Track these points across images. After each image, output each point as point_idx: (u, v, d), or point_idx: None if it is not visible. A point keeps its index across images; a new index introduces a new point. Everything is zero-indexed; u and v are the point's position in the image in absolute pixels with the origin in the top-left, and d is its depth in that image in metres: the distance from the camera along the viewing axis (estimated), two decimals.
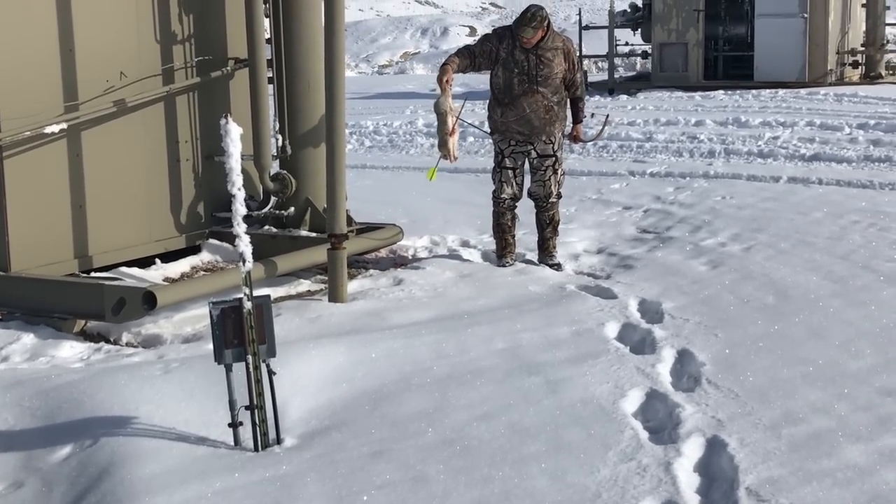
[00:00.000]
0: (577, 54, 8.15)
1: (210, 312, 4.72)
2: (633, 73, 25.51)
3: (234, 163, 4.52)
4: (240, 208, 4.58)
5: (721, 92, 18.85)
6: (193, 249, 8.20)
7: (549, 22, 7.83)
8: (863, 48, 20.50)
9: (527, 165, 8.17)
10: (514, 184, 8.10)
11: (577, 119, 8.26)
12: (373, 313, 6.89)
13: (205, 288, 6.94)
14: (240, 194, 4.57)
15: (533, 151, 8.04)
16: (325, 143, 7.12)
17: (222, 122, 4.54)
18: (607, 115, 9.66)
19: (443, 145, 7.65)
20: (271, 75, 8.10)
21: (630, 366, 5.65)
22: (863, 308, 6.55)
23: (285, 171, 8.15)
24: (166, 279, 7.73)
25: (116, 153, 7.64)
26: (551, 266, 8.15)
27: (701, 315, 6.54)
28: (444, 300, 7.19)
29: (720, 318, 6.48)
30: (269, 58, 8.06)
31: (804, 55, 19.45)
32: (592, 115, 9.22)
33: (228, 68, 8.15)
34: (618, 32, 21.84)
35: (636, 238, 8.99)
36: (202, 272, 7.93)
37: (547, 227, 8.28)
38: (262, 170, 7.99)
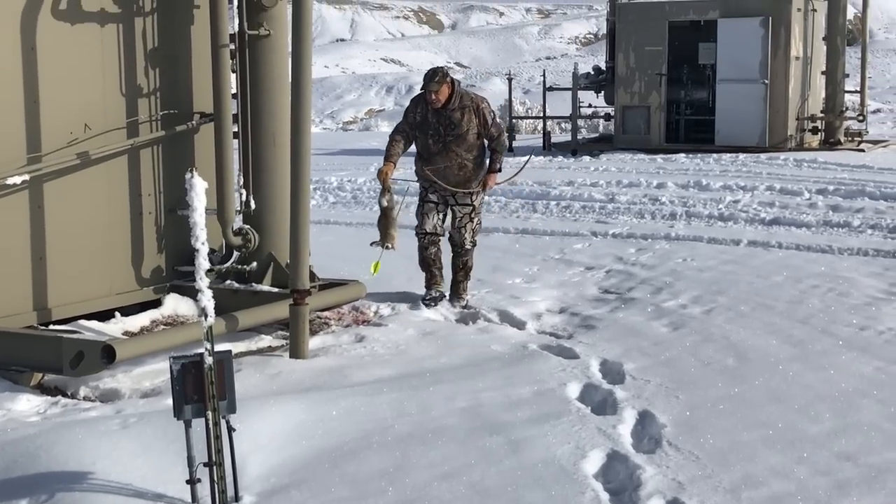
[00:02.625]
0: (490, 110, 8.65)
1: (170, 367, 4.68)
2: (596, 134, 25.76)
3: (199, 217, 4.51)
4: (203, 263, 4.56)
5: (682, 155, 19.04)
6: (155, 303, 8.13)
7: (452, 80, 8.43)
8: (822, 115, 20.82)
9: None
10: (436, 217, 8.70)
11: (489, 168, 8.64)
12: (334, 370, 6.86)
13: (164, 342, 6.88)
14: (203, 249, 4.56)
15: (452, 199, 8.65)
16: (290, 199, 7.11)
17: (187, 176, 4.54)
18: (529, 156, 10.03)
19: (385, 238, 8.23)
20: (237, 130, 8.10)
21: (591, 426, 5.65)
22: (822, 372, 6.60)
23: (248, 226, 8.13)
24: (126, 333, 7.66)
25: (78, 205, 7.59)
26: (461, 307, 8.65)
27: (662, 377, 6.56)
28: (405, 358, 7.17)
29: (681, 380, 6.50)
30: (235, 112, 8.06)
31: (765, 121, 19.73)
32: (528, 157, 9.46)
33: (194, 122, 8.14)
34: (581, 94, 22.06)
35: (598, 298, 9.03)
36: (162, 326, 7.87)
37: (459, 271, 8.88)
38: (224, 224, 7.97)
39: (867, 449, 5.28)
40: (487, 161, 8.70)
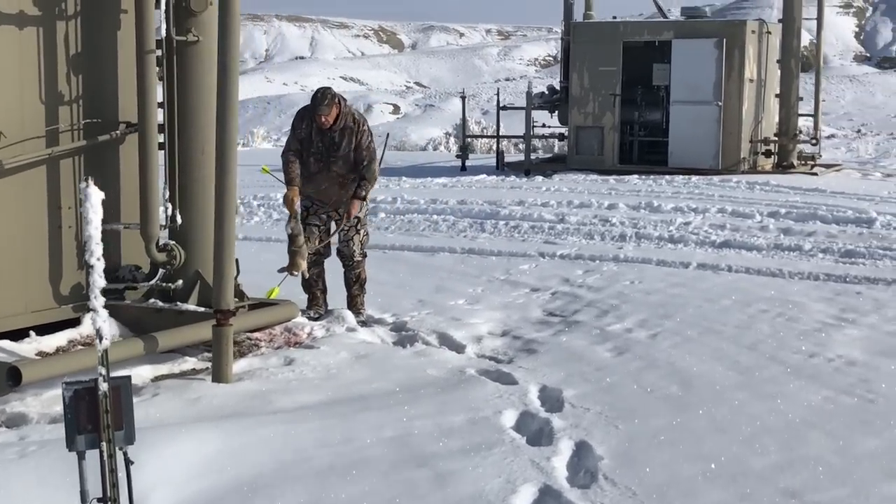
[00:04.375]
0: (369, 132, 8.59)
1: (62, 394, 4.29)
2: (550, 154, 25.55)
3: (94, 231, 4.12)
4: (98, 280, 4.17)
5: (635, 176, 18.84)
6: (74, 322, 7.72)
7: (340, 100, 8.38)
8: (776, 138, 20.71)
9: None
10: (317, 240, 8.62)
11: (354, 194, 8.51)
12: (258, 395, 6.50)
13: (76, 363, 6.48)
14: (98, 265, 4.17)
15: (335, 213, 8.65)
16: (214, 213, 6.74)
17: (81, 185, 4.16)
18: (387, 136, 10.02)
19: (292, 265, 8.18)
20: (163, 140, 7.72)
21: (524, 458, 5.33)
22: (769, 401, 6.33)
23: (173, 242, 7.75)
24: (39, 353, 7.24)
25: None
26: (358, 322, 8.44)
27: (602, 404, 6.25)
28: (335, 382, 6.82)
29: (622, 408, 6.20)
30: (162, 122, 7.70)
31: (718, 143, 19.58)
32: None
33: (118, 132, 7.75)
34: (536, 114, 21.84)
35: (542, 321, 8.72)
36: (80, 346, 7.45)
37: (353, 284, 8.78)
38: (148, 239, 7.59)
39: (814, 485, 5.00)
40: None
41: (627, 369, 7.09)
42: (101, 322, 4.21)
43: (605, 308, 9.01)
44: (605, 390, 6.57)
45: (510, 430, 5.83)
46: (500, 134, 23.81)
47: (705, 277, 10.37)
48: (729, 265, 10.82)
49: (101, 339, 4.23)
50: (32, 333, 7.45)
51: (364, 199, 8.61)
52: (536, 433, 5.80)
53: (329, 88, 8.51)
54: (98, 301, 4.21)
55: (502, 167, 21.85)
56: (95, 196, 4.16)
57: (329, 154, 8.43)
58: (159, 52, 7.55)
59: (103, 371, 4.23)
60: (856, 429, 5.80)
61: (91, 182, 4.17)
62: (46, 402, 6.47)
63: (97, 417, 4.26)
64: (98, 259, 4.19)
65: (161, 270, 7.81)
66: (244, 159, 20.23)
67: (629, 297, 9.41)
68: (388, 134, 10.24)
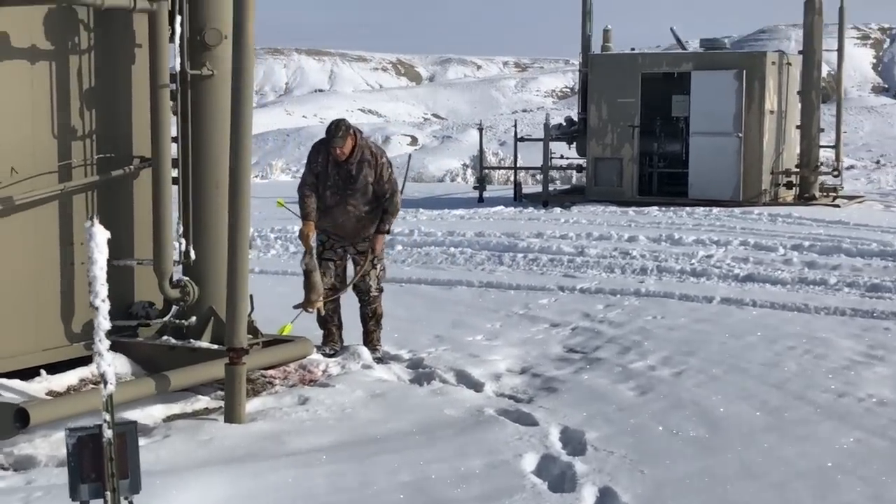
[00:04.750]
0: (389, 164, 8.44)
1: (66, 440, 4.14)
2: (568, 186, 25.40)
3: (99, 271, 3.98)
4: (103, 322, 4.03)
5: (655, 208, 18.68)
6: (86, 360, 7.56)
7: (356, 132, 8.26)
8: (797, 169, 20.51)
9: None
10: (333, 275, 8.45)
11: (378, 229, 8.44)
12: (271, 436, 6.32)
13: (86, 404, 6.30)
14: (103, 307, 4.02)
15: (352, 248, 8.49)
16: (228, 248, 6.59)
17: (86, 224, 4.02)
18: (409, 157, 9.84)
19: (306, 302, 8.06)
20: (177, 175, 7.60)
21: None
22: (799, 444, 6.12)
23: (187, 278, 7.60)
24: (50, 393, 7.08)
25: (2, 254, 7.04)
26: (374, 359, 8.22)
27: (626, 447, 6.05)
28: (350, 423, 6.63)
29: (647, 451, 6.00)
30: (176, 157, 7.57)
31: (738, 174, 19.39)
32: None
33: (132, 167, 7.63)
34: (554, 145, 21.72)
35: (562, 358, 8.53)
36: (92, 385, 7.30)
37: (370, 320, 8.59)
38: (161, 275, 7.44)
39: None
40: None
41: (652, 410, 6.89)
42: (105, 366, 4.07)
43: (628, 344, 8.82)
44: (630, 432, 6.37)
45: (531, 475, 5.63)
46: (518, 165, 23.67)
47: (730, 312, 10.16)
48: (753, 300, 10.61)
49: (105, 383, 4.08)
50: (43, 372, 7.30)
51: (388, 232, 8.56)
52: (558, 478, 5.61)
53: (343, 120, 8.40)
54: (103, 344, 4.06)
55: (520, 198, 21.72)
56: (101, 235, 4.02)
57: (346, 187, 8.29)
58: (173, 86, 7.43)
59: (108, 417, 4.08)
60: (890, 474, 5.58)
61: (96, 221, 4.03)
62: (55, 444, 6.30)
63: (101, 465, 4.10)
64: (103, 300, 4.05)
65: (174, 307, 7.65)
66: (263, 191, 20.16)
67: (652, 333, 9.21)
68: (409, 155, 10.10)
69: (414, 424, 6.58)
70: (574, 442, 6.24)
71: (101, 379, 4.09)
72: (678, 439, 6.25)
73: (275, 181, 32.30)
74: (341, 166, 8.27)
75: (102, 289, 4.04)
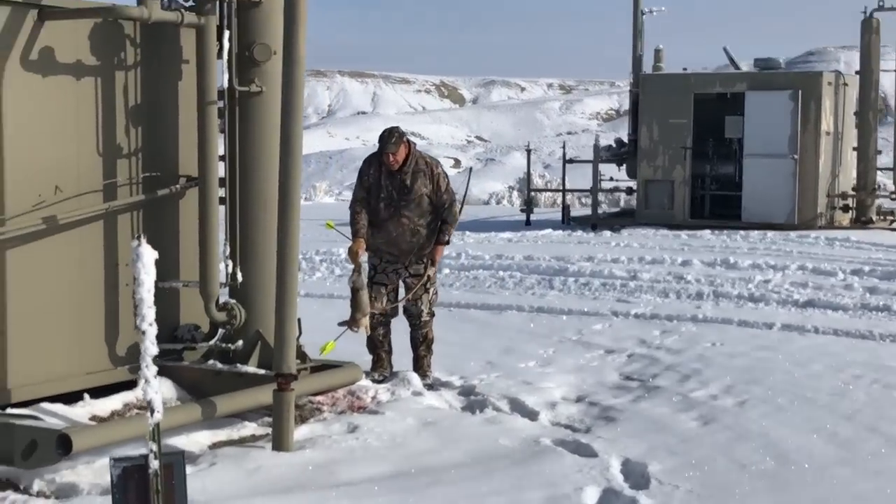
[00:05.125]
0: (445, 175, 8.19)
1: (110, 471, 3.93)
2: (617, 209, 25.08)
3: (146, 293, 3.77)
4: (150, 347, 3.81)
5: (708, 231, 18.35)
6: (130, 384, 7.36)
7: (409, 140, 8.00)
8: (854, 192, 20.08)
9: None
10: (385, 301, 8.15)
11: (437, 240, 8.17)
12: (320, 466, 6.07)
13: (130, 430, 6.09)
14: (150, 330, 3.81)
15: (405, 271, 8.16)
16: (276, 270, 6.37)
17: (133, 244, 3.81)
18: (469, 170, 9.59)
19: (352, 321, 7.77)
20: (224, 195, 7.40)
21: None
22: (874, 479, 5.81)
23: (234, 301, 7.39)
24: (93, 418, 6.89)
25: (46, 274, 6.86)
26: (424, 385, 7.97)
27: (692, 481, 5.76)
28: (402, 452, 6.37)
29: (714, 485, 5.71)
30: (223, 176, 7.38)
31: (794, 197, 19.01)
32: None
33: (178, 186, 7.44)
34: (603, 167, 21.43)
35: (619, 386, 8.23)
36: (136, 410, 7.09)
37: (420, 345, 8.33)
38: (208, 298, 7.23)
39: None
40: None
41: (716, 441, 6.58)
42: (152, 393, 3.84)
43: (687, 372, 8.50)
44: (695, 465, 6.06)
45: None
46: (566, 187, 23.38)
47: (791, 339, 9.81)
48: (815, 326, 10.25)
49: (152, 411, 3.85)
50: (86, 396, 7.10)
51: (448, 243, 8.28)
52: None
53: (397, 127, 8.05)
54: (150, 370, 3.85)
55: (568, 221, 21.43)
56: (148, 255, 3.81)
57: (400, 199, 7.97)
58: (221, 104, 7.24)
59: (154, 447, 3.86)
60: None
61: (143, 240, 3.82)
62: (99, 472, 6.08)
63: (147, 498, 3.88)
64: (150, 324, 3.84)
65: (220, 330, 7.44)
66: (306, 213, 20.01)
67: (712, 361, 8.89)
68: (470, 169, 9.87)
69: (468, 454, 6.32)
70: (636, 475, 5.95)
71: (148, 407, 3.87)
72: (746, 473, 5.94)
73: (318, 203, 32.25)
74: (394, 176, 7.98)
75: (150, 312, 3.83)
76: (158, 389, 3.86)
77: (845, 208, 19.93)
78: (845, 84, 20.08)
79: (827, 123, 19.32)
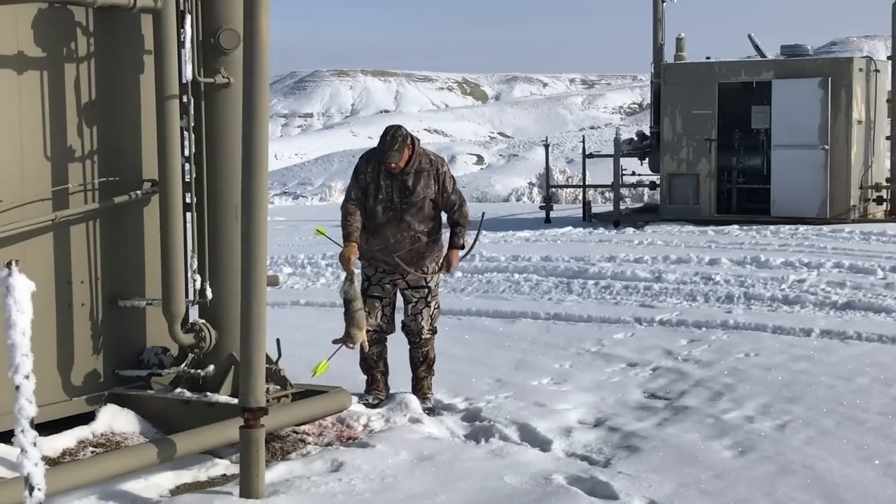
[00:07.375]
0: (451, 174, 7.38)
1: None
2: (640, 204, 24.12)
3: (19, 336, 2.92)
4: (27, 407, 2.97)
5: (736, 227, 17.40)
6: (88, 417, 6.54)
7: (412, 139, 7.15)
8: (888, 183, 19.08)
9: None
10: (379, 315, 7.38)
11: (451, 244, 7.36)
12: None
13: (82, 476, 5.26)
14: (26, 384, 2.95)
15: (403, 282, 7.36)
16: (241, 288, 5.52)
17: (3, 272, 2.95)
18: (482, 215, 8.54)
19: (346, 336, 6.90)
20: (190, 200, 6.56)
21: None
22: None
23: (203, 321, 6.55)
24: (43, 459, 6.04)
25: None
26: (424, 410, 7.21)
27: None
28: (390, 497, 5.52)
29: None
30: (188, 180, 6.54)
31: (825, 189, 18.03)
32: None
33: (140, 192, 6.61)
34: (624, 161, 20.50)
35: (643, 406, 7.35)
36: (91, 449, 6.25)
37: (420, 365, 7.54)
38: (172, 319, 6.40)
39: None
40: (446, 236, 7.37)
41: (755, 476, 5.71)
42: (30, 466, 2.99)
43: (718, 389, 7.61)
44: None
45: None
46: (587, 183, 22.44)
47: (832, 348, 8.88)
48: (858, 332, 9.31)
49: (29, 489, 3.00)
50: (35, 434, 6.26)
51: (463, 247, 7.38)
52: None
53: (400, 127, 7.15)
54: (26, 436, 2.99)
55: (589, 218, 20.52)
56: (22, 288, 2.95)
57: (401, 201, 7.16)
58: (184, 98, 6.40)
59: None
60: None
61: (15, 268, 2.97)
62: None
63: None
64: (26, 377, 2.98)
65: (189, 354, 6.60)
66: (320, 214, 19.16)
67: (746, 375, 7.99)
68: (483, 213, 8.83)
69: (467, 498, 5.47)
70: None
71: (26, 484, 3.02)
72: None
73: (334, 202, 31.43)
74: (395, 177, 7.11)
75: (26, 361, 2.97)
76: (39, 461, 3.01)
77: (879, 200, 18.92)
78: (877, 70, 19.06)
79: (858, 111, 18.31)
